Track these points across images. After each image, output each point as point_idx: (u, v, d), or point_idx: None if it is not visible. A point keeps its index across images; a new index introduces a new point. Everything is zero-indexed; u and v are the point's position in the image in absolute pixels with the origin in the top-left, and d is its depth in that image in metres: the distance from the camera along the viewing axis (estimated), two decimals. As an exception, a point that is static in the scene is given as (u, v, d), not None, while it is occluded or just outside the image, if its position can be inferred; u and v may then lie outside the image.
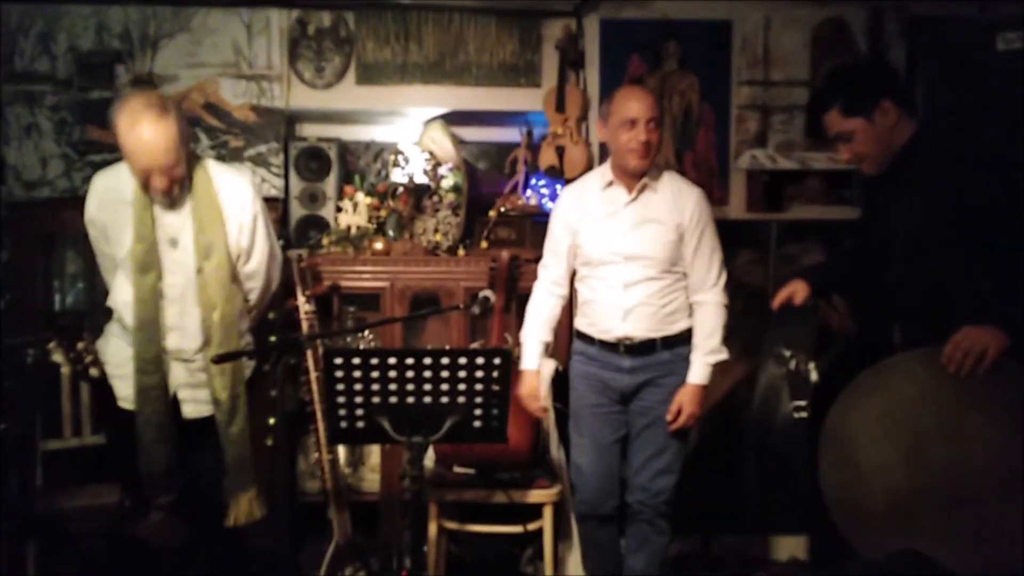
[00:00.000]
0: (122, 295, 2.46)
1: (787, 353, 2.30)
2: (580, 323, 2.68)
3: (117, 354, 2.49)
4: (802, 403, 2.24)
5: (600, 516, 2.66)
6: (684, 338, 2.59)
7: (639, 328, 2.54)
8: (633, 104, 2.48)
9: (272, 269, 2.64)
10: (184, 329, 2.45)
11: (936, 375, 2.01)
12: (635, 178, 2.54)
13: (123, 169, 2.40)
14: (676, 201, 2.55)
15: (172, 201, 2.39)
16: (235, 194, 2.49)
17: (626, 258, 2.52)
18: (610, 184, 2.58)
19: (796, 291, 2.43)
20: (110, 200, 2.42)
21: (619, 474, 2.67)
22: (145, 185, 2.34)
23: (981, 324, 2.01)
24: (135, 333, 2.42)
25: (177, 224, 2.43)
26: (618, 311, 2.54)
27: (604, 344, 2.59)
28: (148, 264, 2.39)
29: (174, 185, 2.35)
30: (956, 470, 1.96)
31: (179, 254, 2.43)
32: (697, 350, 2.56)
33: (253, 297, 2.62)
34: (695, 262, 2.55)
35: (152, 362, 2.42)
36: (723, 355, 2.57)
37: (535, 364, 2.64)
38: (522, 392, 2.62)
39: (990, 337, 2.00)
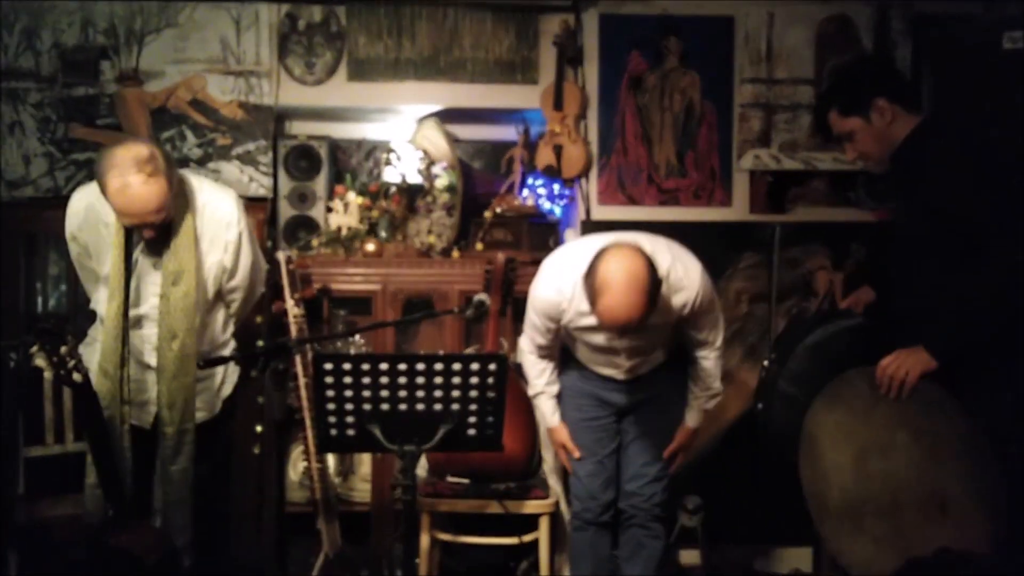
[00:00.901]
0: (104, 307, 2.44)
1: (766, 362, 2.48)
2: (574, 352, 2.62)
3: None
4: (759, 405, 2.45)
5: (599, 523, 2.65)
6: (675, 352, 2.58)
7: (639, 373, 2.56)
8: (608, 325, 2.24)
9: (255, 281, 2.60)
10: None
11: (876, 393, 2.17)
12: None
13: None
14: (671, 305, 2.35)
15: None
16: (220, 216, 2.42)
17: (627, 353, 2.48)
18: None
19: (860, 298, 2.51)
20: (91, 221, 2.39)
21: (616, 480, 2.65)
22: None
23: (914, 347, 2.13)
24: (104, 349, 2.38)
25: (156, 246, 2.40)
26: (619, 371, 2.54)
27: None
28: (116, 289, 2.35)
29: (160, 228, 2.29)
30: (888, 483, 2.13)
31: (159, 276, 2.40)
32: (696, 399, 2.58)
33: (235, 307, 2.58)
34: (697, 331, 2.48)
35: (113, 371, 2.37)
36: (720, 397, 2.60)
37: (558, 420, 2.62)
38: (556, 447, 2.67)
39: (915, 361, 2.12)
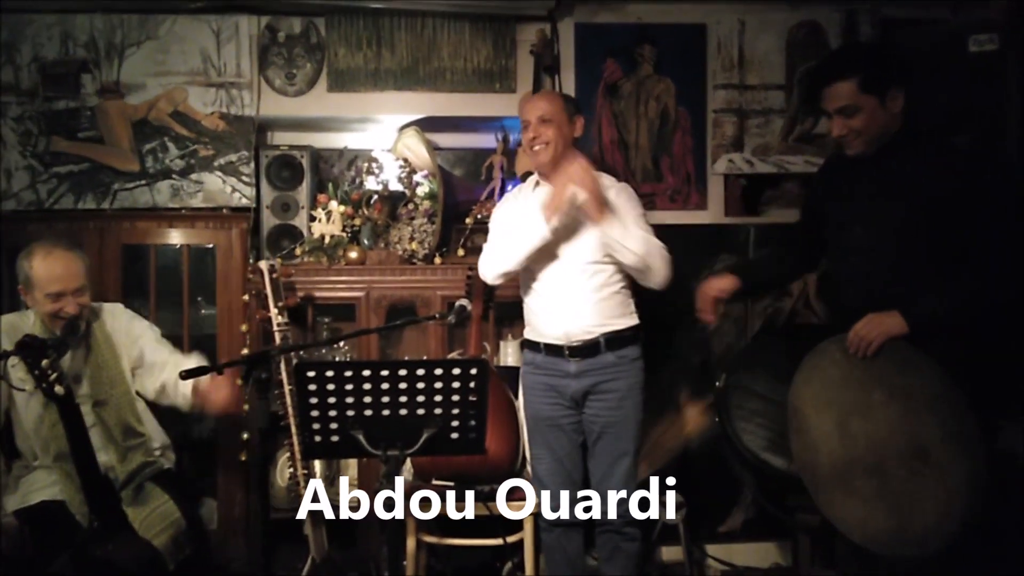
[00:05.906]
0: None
1: (718, 382, 2.57)
2: (527, 332, 2.69)
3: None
4: (716, 419, 2.55)
5: (566, 523, 2.65)
6: (628, 338, 2.57)
7: (580, 322, 2.52)
8: (524, 107, 2.63)
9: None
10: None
11: (850, 358, 2.23)
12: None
13: (26, 313, 2.61)
14: (602, 181, 2.57)
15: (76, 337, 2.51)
16: (120, 314, 2.70)
17: (559, 249, 2.53)
18: (537, 184, 2.67)
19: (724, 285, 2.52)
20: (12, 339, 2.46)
21: (580, 480, 2.66)
22: (53, 314, 2.48)
23: (889, 311, 2.17)
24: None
25: (77, 362, 2.56)
26: (557, 304, 2.55)
27: (550, 348, 2.57)
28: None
29: (82, 312, 2.51)
30: (870, 442, 2.17)
31: (83, 388, 2.55)
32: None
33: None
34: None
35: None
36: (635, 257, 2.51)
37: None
38: None
39: (887, 324, 2.17)
